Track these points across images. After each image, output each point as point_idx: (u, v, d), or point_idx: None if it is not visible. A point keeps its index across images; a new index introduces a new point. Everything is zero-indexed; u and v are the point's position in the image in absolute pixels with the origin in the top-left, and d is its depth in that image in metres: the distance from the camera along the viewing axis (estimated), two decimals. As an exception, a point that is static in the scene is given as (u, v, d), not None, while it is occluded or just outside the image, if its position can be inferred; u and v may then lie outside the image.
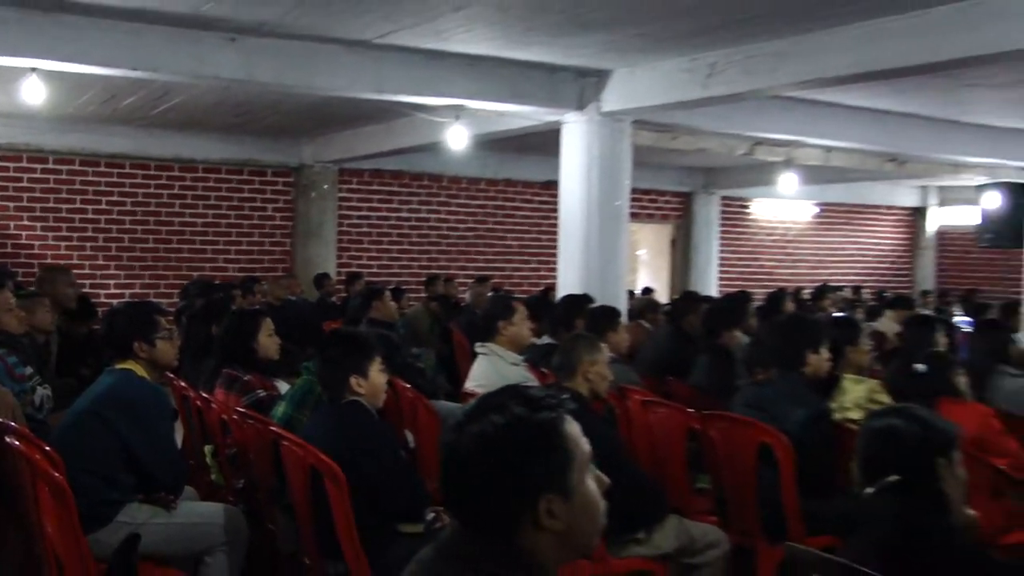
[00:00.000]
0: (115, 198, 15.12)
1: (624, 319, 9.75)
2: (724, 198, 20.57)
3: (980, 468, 5.43)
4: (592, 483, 2.05)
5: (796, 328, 6.26)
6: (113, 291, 14.83)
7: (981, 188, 15.17)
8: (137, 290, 15.00)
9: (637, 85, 9.97)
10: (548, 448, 1.98)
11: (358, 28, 8.46)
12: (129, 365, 5.08)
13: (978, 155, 13.60)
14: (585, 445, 2.05)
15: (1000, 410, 6.27)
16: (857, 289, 19.63)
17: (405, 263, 17.34)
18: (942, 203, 22.86)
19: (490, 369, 6.49)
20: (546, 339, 8.29)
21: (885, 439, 2.78)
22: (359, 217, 17.00)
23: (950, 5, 7.32)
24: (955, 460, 2.84)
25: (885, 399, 5.96)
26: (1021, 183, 14.53)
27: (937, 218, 23.26)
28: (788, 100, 10.92)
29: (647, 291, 17.35)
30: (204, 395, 5.93)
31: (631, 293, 14.85)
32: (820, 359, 5.94)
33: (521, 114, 10.61)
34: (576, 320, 8.01)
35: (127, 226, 15.25)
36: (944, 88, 10.58)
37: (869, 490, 2.73)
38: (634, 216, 13.34)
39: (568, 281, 10.47)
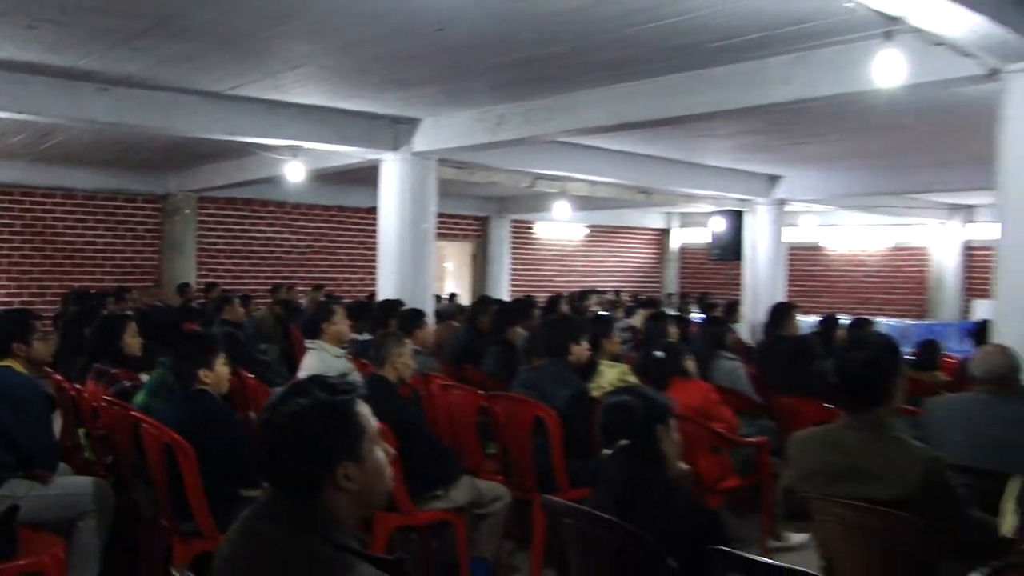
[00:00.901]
0: (5, 221, 14.63)
1: (431, 320, 9.79)
2: (513, 221, 20.77)
3: (703, 431, 5.63)
4: (380, 452, 2.08)
5: (561, 325, 6.38)
6: (3, 299, 14.17)
7: (710, 214, 15.67)
8: (25, 298, 14.36)
9: (441, 131, 10.02)
10: (344, 424, 2.00)
11: (211, 81, 8.31)
12: (8, 362, 4.96)
13: (707, 189, 14.03)
14: (374, 422, 2.08)
15: (718, 386, 6.51)
16: (617, 293, 20.01)
17: (254, 274, 17.09)
18: (682, 225, 23.53)
19: (318, 361, 6.41)
20: (366, 336, 8.26)
21: (618, 411, 2.85)
22: (216, 236, 16.76)
23: (680, 73, 7.57)
24: (671, 427, 2.92)
25: (633, 379, 6.11)
26: (738, 211, 15.06)
27: (679, 237, 23.93)
28: (561, 144, 11.12)
29: (452, 296, 17.42)
30: (77, 387, 5.73)
31: (438, 298, 14.91)
32: (581, 349, 6.06)
33: (347, 153, 10.54)
34: (389, 320, 8.00)
35: (16, 245, 14.75)
36: (681, 137, 10.93)
37: (606, 452, 2.79)
38: (441, 236, 13.33)
39: (385, 289, 10.47)
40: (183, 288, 14.42)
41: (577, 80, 8.03)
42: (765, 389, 7.20)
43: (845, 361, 3.40)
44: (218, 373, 4.80)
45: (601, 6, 5.90)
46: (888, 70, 5.54)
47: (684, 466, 3.10)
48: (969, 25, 5.18)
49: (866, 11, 5.09)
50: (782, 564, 2.47)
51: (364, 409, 2.06)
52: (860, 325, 8.86)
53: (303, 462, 1.97)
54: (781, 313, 8.24)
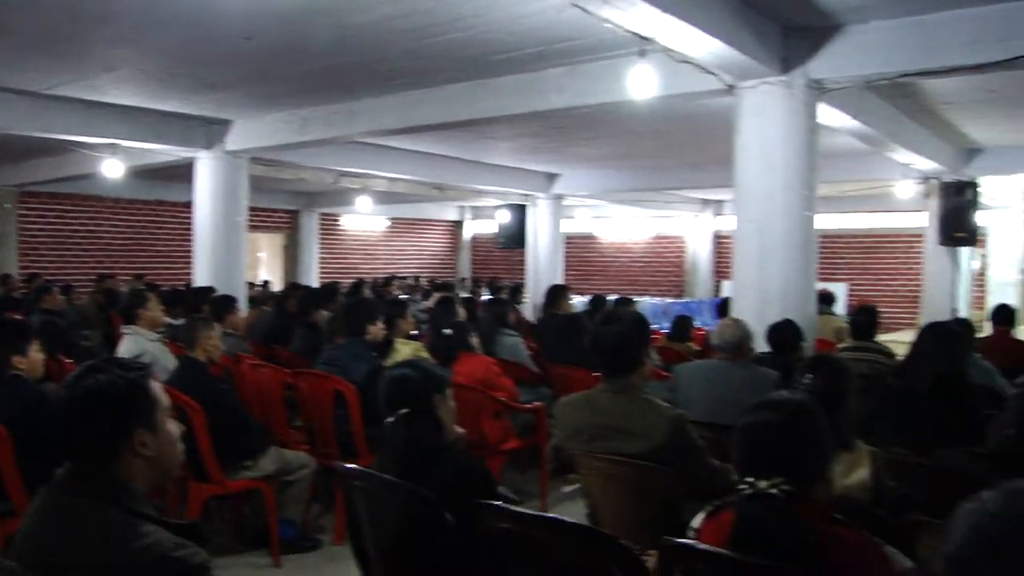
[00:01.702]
0: None
1: (244, 305, 9.51)
2: (322, 214, 20.42)
3: (486, 399, 5.69)
4: (172, 425, 2.04)
5: (359, 307, 6.31)
6: None
7: (497, 208, 15.82)
8: None
9: (251, 132, 9.73)
10: (139, 394, 1.97)
11: (28, 80, 7.82)
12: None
13: (493, 185, 14.21)
14: (165, 397, 2.02)
15: (501, 359, 6.60)
16: (416, 278, 20.05)
17: (77, 265, 16.16)
18: (474, 217, 23.74)
19: (134, 344, 6.13)
20: (181, 320, 7.93)
21: (399, 383, 2.83)
22: (38, 229, 15.79)
23: (467, 82, 7.62)
24: (448, 396, 2.93)
25: (425, 355, 6.10)
26: (522, 204, 15.29)
27: (471, 228, 24.13)
28: (361, 144, 10.99)
29: (265, 284, 16.97)
30: None
31: (252, 285, 14.49)
32: (377, 328, 6.02)
33: (163, 152, 10.06)
34: (202, 306, 7.73)
35: None
36: (469, 139, 11.01)
37: (390, 419, 2.78)
38: (254, 228, 12.95)
39: (201, 277, 10.12)
40: (4, 279, 13.43)
41: (374, 86, 7.96)
42: (542, 361, 7.35)
43: (600, 334, 3.51)
44: (32, 359, 4.47)
45: (395, 21, 5.88)
46: (642, 83, 5.74)
47: (460, 430, 3.11)
48: (708, 47, 5.43)
49: (624, 32, 5.25)
50: (542, 514, 2.52)
51: (155, 385, 2.02)
52: (621, 304, 9.15)
53: (103, 428, 1.92)
54: (555, 294, 8.43)
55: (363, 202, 17.27)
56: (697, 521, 2.22)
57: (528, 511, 2.42)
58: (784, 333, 5.24)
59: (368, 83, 7.81)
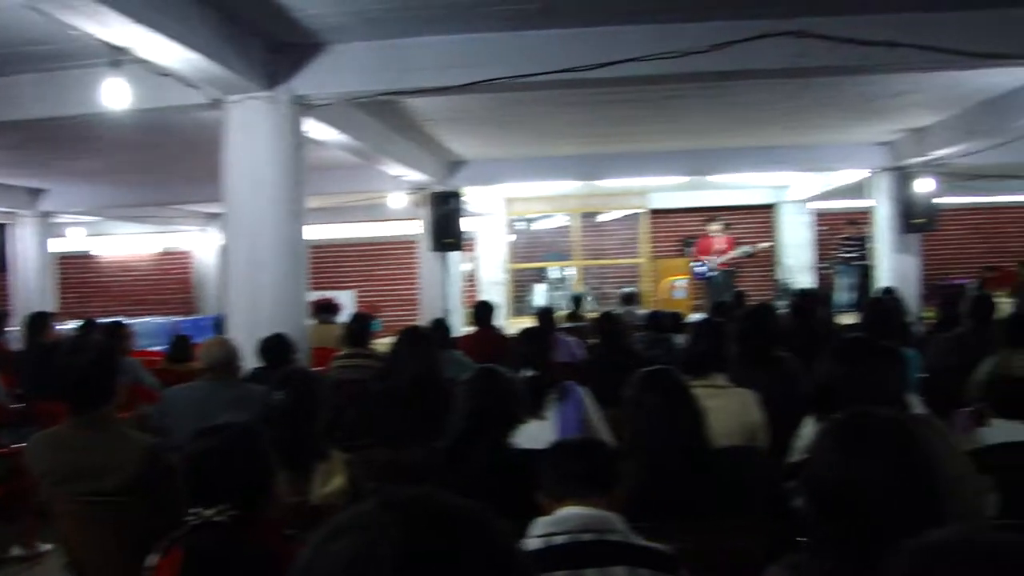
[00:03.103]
0: None
1: None
2: None
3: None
4: None
5: None
6: None
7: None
8: None
9: None
10: None
11: None
12: None
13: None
14: None
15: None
16: None
17: None
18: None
19: None
20: None
21: None
22: None
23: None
24: None
25: None
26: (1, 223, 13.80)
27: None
28: None
29: None
30: None
31: None
32: None
33: None
34: None
35: None
36: None
37: None
38: None
39: None
40: None
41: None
42: (27, 396, 6.67)
43: (67, 365, 3.26)
44: None
45: None
46: (116, 95, 5.47)
47: None
48: (186, 60, 5.31)
49: (96, 40, 4.94)
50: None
51: None
52: (91, 328, 8.42)
53: None
54: (36, 322, 7.72)
55: None
56: (153, 559, 2.14)
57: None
58: (274, 346, 5.28)
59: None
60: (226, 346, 4.68)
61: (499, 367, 3.30)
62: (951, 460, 2.64)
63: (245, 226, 6.17)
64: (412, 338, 4.50)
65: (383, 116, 8.67)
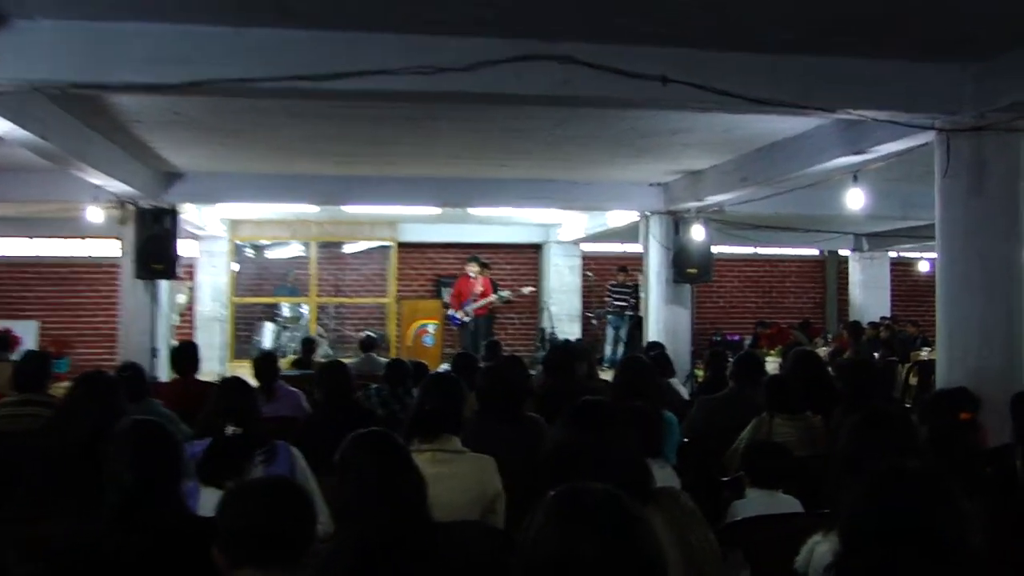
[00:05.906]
0: None
1: None
2: None
3: None
4: None
5: None
6: None
7: None
8: None
9: None
10: None
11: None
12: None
13: None
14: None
15: None
16: None
17: None
18: None
19: None
20: None
21: None
22: None
23: None
24: None
25: None
26: None
27: None
28: None
29: None
30: None
31: None
32: None
33: None
34: None
35: None
36: None
37: None
38: None
39: None
40: None
41: None
42: None
43: None
44: None
45: None
46: None
47: None
48: None
49: None
50: None
51: None
52: None
53: None
54: None
55: None
56: None
57: None
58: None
59: None
60: None
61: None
62: (694, 536, 2.79)
63: None
64: (95, 383, 4.27)
65: (82, 113, 8.24)
